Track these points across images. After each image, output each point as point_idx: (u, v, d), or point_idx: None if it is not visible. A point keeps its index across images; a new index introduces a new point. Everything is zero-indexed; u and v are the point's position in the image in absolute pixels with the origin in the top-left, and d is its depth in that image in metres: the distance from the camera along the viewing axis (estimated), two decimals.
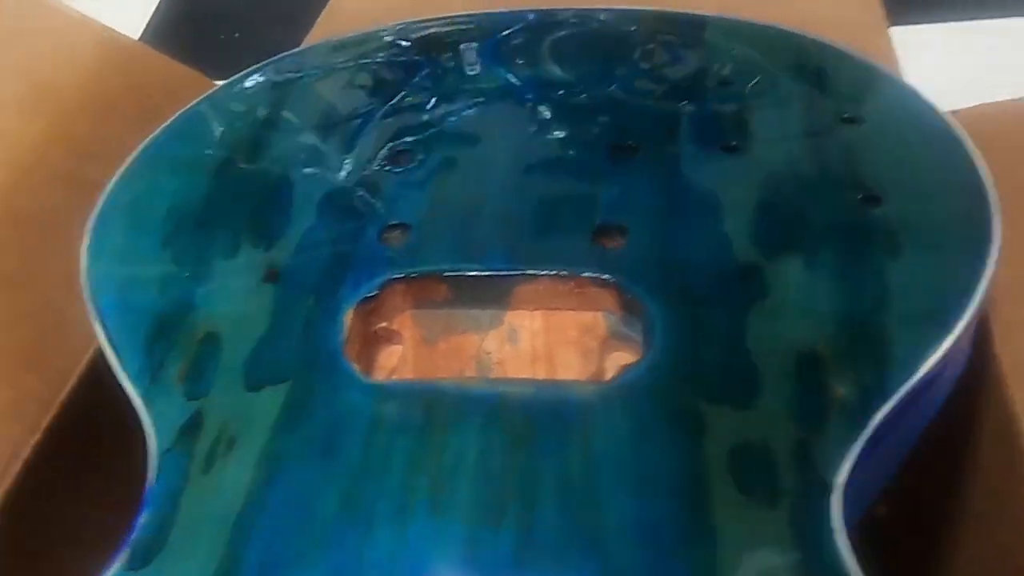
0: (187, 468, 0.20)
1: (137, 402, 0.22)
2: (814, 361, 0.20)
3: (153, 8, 0.83)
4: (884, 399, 0.19)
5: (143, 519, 0.19)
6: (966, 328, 0.21)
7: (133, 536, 0.19)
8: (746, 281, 0.22)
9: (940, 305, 0.21)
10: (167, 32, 0.78)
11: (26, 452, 0.26)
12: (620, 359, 0.23)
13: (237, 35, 0.77)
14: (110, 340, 0.23)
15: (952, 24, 0.66)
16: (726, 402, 0.20)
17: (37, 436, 0.26)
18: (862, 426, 0.19)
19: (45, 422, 0.27)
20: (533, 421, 0.20)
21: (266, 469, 0.20)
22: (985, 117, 0.33)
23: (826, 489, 0.18)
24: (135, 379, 0.22)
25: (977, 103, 0.34)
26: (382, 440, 0.20)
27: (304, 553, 0.18)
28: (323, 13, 0.45)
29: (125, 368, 0.22)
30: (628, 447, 0.19)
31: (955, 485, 0.31)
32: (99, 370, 0.29)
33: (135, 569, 0.18)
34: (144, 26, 0.79)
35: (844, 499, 0.18)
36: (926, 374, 0.20)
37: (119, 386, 0.23)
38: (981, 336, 0.26)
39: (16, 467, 0.26)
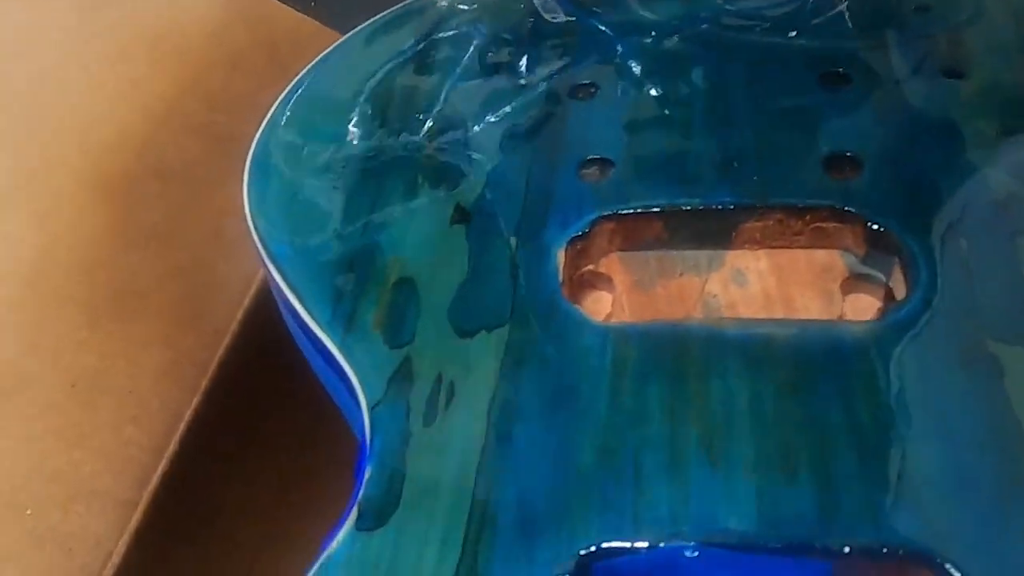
0: (406, 420, 0.18)
1: (335, 353, 0.20)
2: None
3: None
4: None
5: (367, 477, 0.17)
6: None
7: (359, 496, 0.17)
8: (1009, 209, 0.20)
9: None
10: None
11: (187, 414, 0.24)
12: (861, 302, 0.20)
13: None
14: (293, 289, 0.21)
15: None
16: (1020, 343, 0.17)
17: (197, 398, 0.25)
18: None
19: (203, 383, 0.25)
20: (806, 363, 0.17)
21: (500, 419, 0.17)
22: None
23: None
24: (328, 329, 0.20)
25: None
26: (630, 386, 0.17)
27: (567, 510, 0.16)
28: None
29: (315, 318, 0.20)
30: (921, 391, 0.17)
31: None
32: (253, 328, 0.27)
33: (368, 530, 0.16)
34: None
35: None
36: None
37: (313, 343, 0.21)
38: None
39: (179, 430, 0.24)
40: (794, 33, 0.25)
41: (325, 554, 0.16)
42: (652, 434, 0.17)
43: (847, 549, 0.15)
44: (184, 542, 0.23)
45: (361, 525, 0.17)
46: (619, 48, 0.26)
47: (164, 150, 0.29)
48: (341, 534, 0.17)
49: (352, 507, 0.17)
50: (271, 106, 0.27)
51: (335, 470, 0.21)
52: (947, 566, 0.14)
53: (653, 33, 0.26)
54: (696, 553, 0.15)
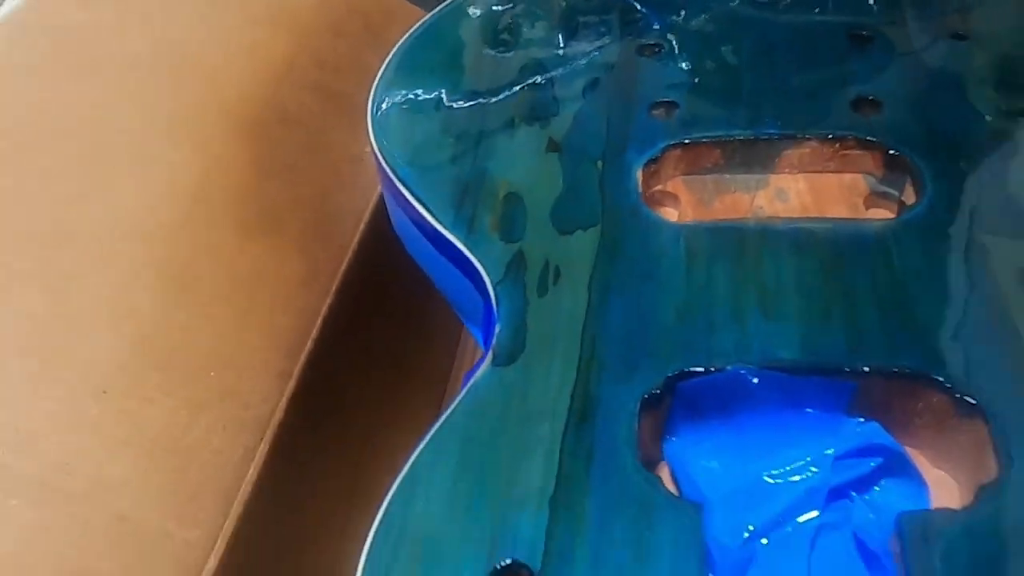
0: (523, 293, 0.23)
1: (462, 248, 0.25)
2: None
3: None
4: None
5: (498, 331, 0.22)
6: None
7: (493, 344, 0.22)
8: (998, 139, 0.25)
9: None
10: None
11: (323, 310, 0.29)
12: (880, 214, 0.25)
13: None
14: (420, 201, 0.26)
15: None
16: (1002, 233, 0.22)
17: (329, 300, 0.30)
18: None
19: (334, 286, 0.30)
20: (838, 248, 0.22)
21: (599, 292, 0.23)
22: None
23: None
24: (453, 230, 0.25)
25: None
26: (701, 266, 0.23)
27: (657, 349, 0.21)
28: None
29: (442, 222, 0.26)
30: (927, 267, 0.22)
31: None
32: (369, 245, 0.32)
33: (502, 365, 0.22)
34: None
35: None
36: None
37: (437, 239, 0.26)
38: None
39: (317, 324, 0.29)
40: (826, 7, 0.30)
41: (471, 382, 0.21)
42: (720, 298, 0.22)
43: (867, 368, 0.20)
44: (323, 411, 0.28)
45: (496, 362, 0.22)
46: (679, 16, 0.31)
47: (285, 101, 0.34)
48: (481, 370, 0.22)
49: (486, 355, 0.22)
50: (369, 66, 0.33)
51: (446, 350, 0.26)
52: (941, 379, 0.19)
53: (706, 7, 0.31)
54: (756, 379, 0.20)
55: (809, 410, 0.21)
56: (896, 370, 0.20)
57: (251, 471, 0.25)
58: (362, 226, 0.32)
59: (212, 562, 0.23)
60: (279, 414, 0.26)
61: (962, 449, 0.19)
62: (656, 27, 0.30)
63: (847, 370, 0.20)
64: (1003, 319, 0.20)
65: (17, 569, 0.21)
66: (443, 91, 0.30)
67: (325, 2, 0.39)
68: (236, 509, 0.24)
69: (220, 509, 0.24)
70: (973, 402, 0.19)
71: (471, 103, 0.30)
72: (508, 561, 0.18)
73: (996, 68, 0.27)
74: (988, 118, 0.25)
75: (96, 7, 0.32)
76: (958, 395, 0.19)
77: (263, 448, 0.25)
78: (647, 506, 0.18)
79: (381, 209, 0.31)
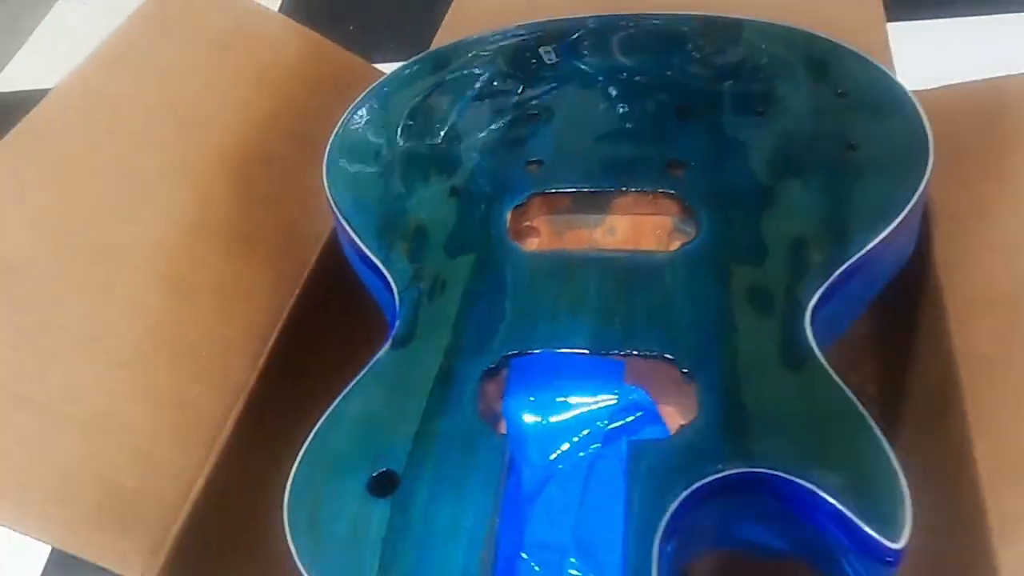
0: (417, 299, 0.34)
1: (381, 266, 0.35)
2: (802, 241, 0.33)
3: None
4: (842, 262, 0.32)
5: (398, 324, 0.33)
6: (900, 225, 0.33)
7: (393, 334, 0.33)
8: (762, 196, 0.35)
9: (884, 209, 0.34)
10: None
11: (287, 309, 0.40)
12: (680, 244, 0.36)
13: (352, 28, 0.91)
14: (356, 233, 0.37)
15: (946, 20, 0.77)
16: (745, 262, 0.33)
17: (292, 301, 0.40)
18: (826, 276, 0.32)
19: (296, 291, 0.41)
20: (632, 270, 0.33)
21: (466, 299, 0.33)
22: (947, 93, 0.45)
23: (802, 308, 0.31)
24: (377, 254, 0.36)
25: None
26: (538, 281, 0.33)
27: (498, 338, 0.31)
28: (447, 16, 0.58)
29: (370, 249, 0.36)
30: (687, 285, 0.32)
31: (900, 383, 0.43)
32: (325, 261, 0.42)
33: (397, 348, 0.32)
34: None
35: (813, 320, 0.31)
36: (869, 250, 0.32)
37: (363, 260, 0.36)
38: (923, 246, 0.38)
39: (282, 318, 0.39)
40: (664, 83, 0.41)
41: (375, 358, 0.32)
42: (546, 302, 0.32)
43: (634, 352, 0.30)
44: (286, 381, 0.39)
45: (393, 346, 0.32)
46: (553, 94, 0.41)
47: (266, 146, 0.45)
48: (383, 351, 0.32)
49: (388, 341, 0.33)
50: (337, 117, 0.43)
51: (375, 338, 0.36)
52: (673, 358, 0.30)
53: (579, 78, 0.41)
54: (560, 358, 0.31)
55: (597, 380, 0.31)
56: (649, 353, 0.30)
57: (229, 422, 0.35)
58: (320, 246, 0.43)
59: (200, 482, 0.33)
60: (251, 383, 0.37)
61: (688, 404, 0.30)
62: (535, 101, 0.41)
63: (619, 353, 0.30)
64: (726, 321, 0.31)
65: (68, 478, 0.31)
66: (377, 149, 0.41)
67: (304, 67, 0.49)
68: (218, 446, 0.34)
69: (207, 446, 0.34)
70: (687, 371, 0.29)
71: (396, 158, 0.40)
72: (383, 469, 0.28)
73: (776, 140, 0.37)
74: (760, 181, 0.36)
75: (123, 77, 0.43)
76: (683, 369, 0.29)
77: (239, 406, 0.36)
78: (474, 437, 0.29)
79: (335, 233, 0.41)
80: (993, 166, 0.42)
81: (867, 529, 0.25)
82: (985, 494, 0.30)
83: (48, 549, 0.56)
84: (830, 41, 0.43)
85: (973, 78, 0.47)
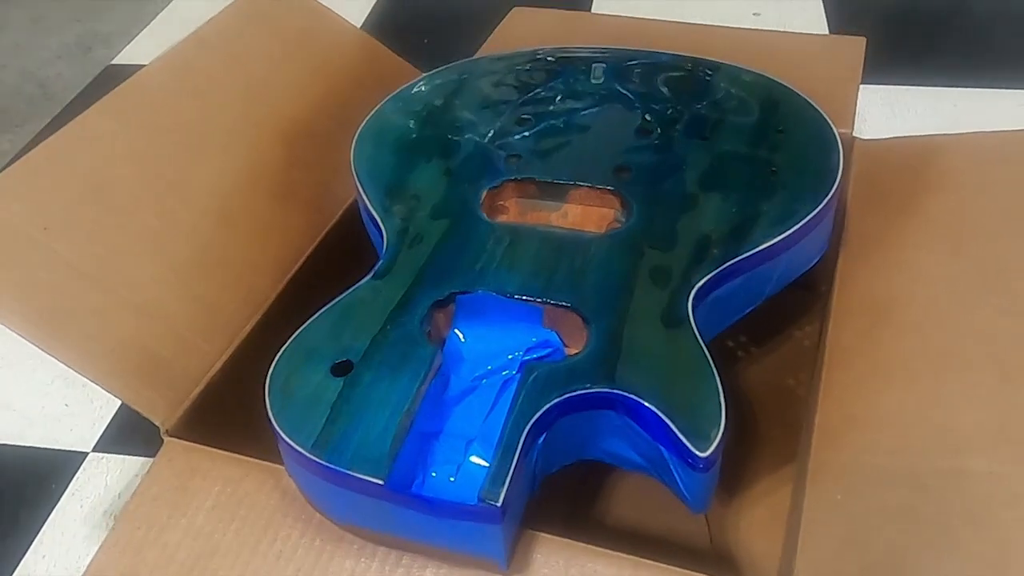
0: (400, 246, 0.43)
1: (380, 221, 0.45)
2: (708, 237, 0.41)
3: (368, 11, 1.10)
4: (734, 256, 0.40)
5: (383, 261, 0.42)
6: (793, 235, 0.41)
7: (376, 267, 0.42)
8: (687, 201, 0.44)
9: (782, 219, 0.42)
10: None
11: (311, 247, 0.50)
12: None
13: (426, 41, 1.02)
14: (367, 195, 0.47)
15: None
16: (657, 248, 0.41)
17: (315, 244, 0.50)
18: (717, 265, 0.40)
19: (322, 233, 0.51)
20: (568, 244, 0.42)
21: (436, 250, 0.42)
22: (892, 143, 0.53)
23: (690, 285, 0.39)
24: (378, 212, 0.45)
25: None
26: (495, 243, 0.42)
27: (451, 279, 0.40)
28: (487, 40, 0.68)
29: (374, 208, 0.46)
30: (606, 257, 0.41)
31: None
32: (348, 215, 0.52)
33: (375, 279, 0.41)
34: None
35: (698, 300, 0.39)
36: (760, 251, 0.41)
37: (370, 216, 0.46)
38: (830, 263, 0.46)
39: (308, 251, 0.50)
40: (632, 106, 0.49)
41: (358, 284, 0.41)
42: (496, 258, 0.41)
43: (550, 301, 0.39)
44: (300, 302, 0.49)
45: (373, 278, 0.42)
46: (543, 104, 0.50)
47: (313, 123, 0.55)
48: (367, 279, 0.42)
49: (371, 272, 0.42)
50: (376, 104, 0.53)
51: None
52: (575, 306, 0.38)
53: (562, 95, 0.51)
54: (493, 299, 0.39)
55: (521, 322, 0.40)
56: (560, 304, 0.39)
57: (248, 325, 0.45)
58: (344, 207, 0.53)
59: (218, 364, 0.43)
60: (270, 300, 0.47)
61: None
62: (528, 108, 0.50)
63: (538, 301, 0.39)
64: (627, 287, 0.39)
65: (121, 343, 0.42)
66: (396, 135, 0.51)
67: (357, 66, 0.60)
68: (236, 341, 0.44)
69: (228, 339, 0.44)
70: (586, 318, 0.38)
71: (409, 143, 0.50)
72: (344, 359, 0.37)
73: (712, 160, 0.46)
74: (688, 189, 0.44)
75: (209, 56, 0.54)
76: (584, 316, 0.38)
77: (258, 316, 0.46)
78: (414, 345, 0.38)
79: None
80: (910, 204, 0.49)
81: (684, 440, 0.33)
82: (812, 451, 0.38)
83: (109, 419, 0.67)
84: (789, 89, 0.51)
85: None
